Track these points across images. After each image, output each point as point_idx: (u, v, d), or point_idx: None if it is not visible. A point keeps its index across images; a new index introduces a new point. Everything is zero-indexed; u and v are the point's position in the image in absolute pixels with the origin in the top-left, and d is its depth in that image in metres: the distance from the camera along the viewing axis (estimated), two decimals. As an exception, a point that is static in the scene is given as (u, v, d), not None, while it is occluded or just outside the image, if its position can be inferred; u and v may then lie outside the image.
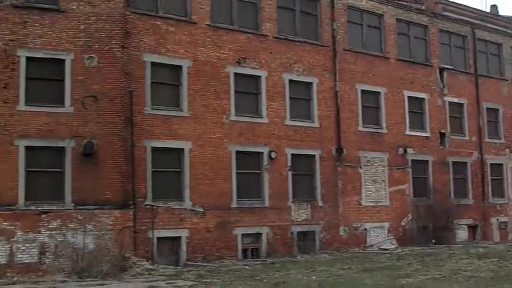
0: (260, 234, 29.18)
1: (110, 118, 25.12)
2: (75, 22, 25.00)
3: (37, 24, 24.52)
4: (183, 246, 26.81)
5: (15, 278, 22.75)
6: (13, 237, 23.21)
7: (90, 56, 25.11)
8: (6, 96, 23.81)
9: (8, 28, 24.09)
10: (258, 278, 21.25)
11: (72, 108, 24.71)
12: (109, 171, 24.89)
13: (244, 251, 28.64)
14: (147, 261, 24.98)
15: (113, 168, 24.96)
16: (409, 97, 36.46)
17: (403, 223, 34.94)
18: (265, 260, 27.58)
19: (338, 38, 33.38)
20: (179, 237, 26.78)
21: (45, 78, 24.82)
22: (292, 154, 30.71)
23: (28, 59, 24.35)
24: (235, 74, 29.28)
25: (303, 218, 30.82)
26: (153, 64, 26.98)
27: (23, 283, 21.96)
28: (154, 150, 26.50)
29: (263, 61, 30.35)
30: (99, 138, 24.80)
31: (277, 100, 30.56)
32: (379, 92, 35.07)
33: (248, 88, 29.94)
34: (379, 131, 34.77)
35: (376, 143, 34.36)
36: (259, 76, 30.15)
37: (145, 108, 26.42)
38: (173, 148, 27.15)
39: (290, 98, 31.15)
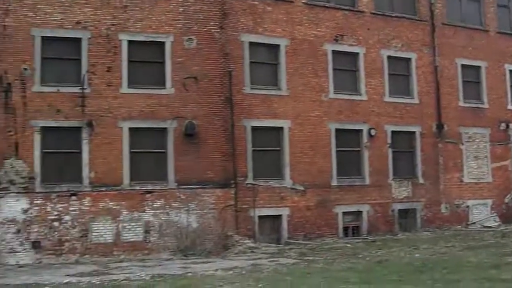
0: (361, 212, 28.41)
1: (210, 99, 24.94)
2: (174, 5, 24.87)
3: (137, 8, 24.51)
4: (284, 224, 26.39)
5: (121, 256, 22.97)
6: (119, 217, 23.43)
7: (189, 38, 24.93)
8: (109, 80, 23.96)
9: (109, 13, 24.16)
10: (360, 256, 20.72)
11: (173, 89, 24.63)
12: (210, 151, 24.73)
13: (345, 229, 27.96)
14: (249, 239, 24.69)
15: (214, 148, 24.80)
16: (510, 71, 34.63)
17: (506, 200, 33.37)
18: (366, 238, 26.88)
19: (436, 12, 32.00)
20: (280, 216, 26.37)
21: (146, 60, 24.80)
22: (392, 131, 29.70)
23: (130, 42, 24.39)
24: (333, 51, 28.47)
25: (404, 195, 29.84)
26: (251, 44, 26.57)
27: (129, 261, 22.09)
28: (254, 129, 26.15)
29: (360, 37, 29.42)
30: (200, 119, 24.64)
31: (375, 76, 29.59)
32: (479, 66, 33.44)
33: (346, 66, 29.07)
34: (480, 106, 33.20)
35: (477, 119, 32.86)
36: (357, 53, 29.25)
37: (244, 88, 26.06)
38: (273, 127, 26.69)
39: (389, 74, 30.07)
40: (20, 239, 22.50)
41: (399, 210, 29.51)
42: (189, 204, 24.12)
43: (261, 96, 26.49)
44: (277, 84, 27.10)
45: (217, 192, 24.58)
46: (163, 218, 23.87)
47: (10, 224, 22.48)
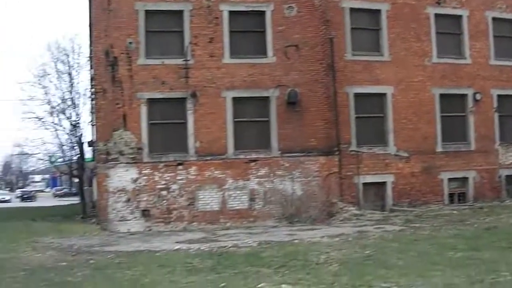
0: (467, 178, 27.26)
1: (312, 66, 24.43)
2: (273, -26, 24.42)
3: (234, -22, 24.27)
4: (389, 191, 25.69)
5: (228, 224, 22.99)
6: (224, 185, 23.40)
7: (290, 6, 24.46)
8: (212, 50, 23.85)
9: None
10: (467, 222, 19.90)
11: (274, 58, 24.28)
12: (313, 119, 24.28)
13: (451, 195, 26.91)
14: (353, 206, 24.19)
15: (316, 116, 24.32)
16: None
17: None
18: (472, 205, 25.79)
19: (542, -30, 30.21)
20: (384, 183, 25.67)
21: (247, 30, 24.58)
22: (498, 95, 28.24)
23: (231, 13, 24.18)
24: (436, 15, 27.20)
25: (511, 161, 28.48)
26: (352, 10, 25.84)
27: (236, 228, 22.04)
28: (356, 96, 25.47)
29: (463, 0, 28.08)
30: (302, 87, 24.20)
31: (480, 39, 28.11)
32: None
33: (449, 29, 27.73)
34: None
35: None
36: (460, 16, 27.84)
37: (345, 55, 25.41)
38: (375, 93, 25.92)
39: (494, 36, 28.49)
40: (130, 208, 22.83)
41: (506, 176, 28.11)
42: (293, 172, 23.81)
43: (363, 63, 25.74)
44: (379, 49, 26.24)
45: (320, 160, 24.16)
46: (267, 186, 23.69)
47: (120, 194, 22.83)
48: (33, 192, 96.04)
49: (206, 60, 23.71)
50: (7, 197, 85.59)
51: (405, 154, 25.89)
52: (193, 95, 23.45)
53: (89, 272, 12.76)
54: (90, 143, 31.01)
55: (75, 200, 53.17)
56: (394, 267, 11.99)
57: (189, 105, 23.48)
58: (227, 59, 23.93)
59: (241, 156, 23.69)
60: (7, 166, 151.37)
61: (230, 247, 16.53)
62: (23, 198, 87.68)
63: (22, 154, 55.11)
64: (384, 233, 18.31)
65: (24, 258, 15.38)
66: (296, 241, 17.38)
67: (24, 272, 12.85)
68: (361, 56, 25.75)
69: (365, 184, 25.18)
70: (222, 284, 10.66)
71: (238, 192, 23.47)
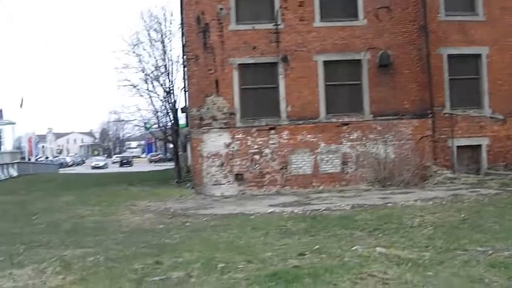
0: None
1: (404, 28, 23.63)
2: None
3: None
4: (483, 155, 24.73)
5: (320, 187, 22.75)
6: (317, 149, 23.09)
7: (381, -33, 23.66)
8: (302, 14, 23.41)
9: None
10: None
11: (365, 20, 23.61)
12: (405, 81, 23.56)
13: (548, 158, 25.74)
14: (447, 169, 23.46)
15: (409, 78, 23.58)
16: None
17: None
18: None
19: None
20: (479, 146, 24.72)
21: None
22: None
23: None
24: (533, -29, 25.77)
25: None
26: (444, -32, 24.71)
27: (328, 192, 21.79)
28: (450, 57, 24.48)
29: None
30: (394, 49, 23.49)
31: None
32: None
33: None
34: None
35: None
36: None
37: (439, 15, 24.41)
38: (470, 54, 24.81)
39: None
40: (224, 172, 22.88)
41: None
42: (386, 135, 23.24)
43: (457, 23, 24.60)
44: (473, 9, 25.01)
45: (413, 123, 23.48)
46: (360, 150, 23.25)
47: (214, 158, 22.91)
48: (130, 158, 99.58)
49: (297, 24, 23.29)
50: (101, 163, 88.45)
51: (501, 117, 24.81)
52: (284, 60, 23.14)
53: (186, 234, 12.91)
54: (184, 109, 31.20)
55: (170, 165, 54.11)
56: (490, 231, 11.66)
57: (280, 69, 23.20)
58: (317, 23, 23.42)
59: (333, 120, 23.28)
60: (104, 133, 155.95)
61: (323, 210, 16.42)
62: (122, 163, 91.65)
63: (119, 121, 56.32)
64: (479, 196, 17.79)
65: (124, 220, 15.71)
66: (389, 204, 17.12)
67: (124, 234, 13.12)
68: (455, 16, 24.62)
69: (459, 147, 24.34)
70: (316, 247, 10.55)
71: (331, 155, 23.14)
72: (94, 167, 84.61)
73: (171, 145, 42.44)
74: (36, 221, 16.16)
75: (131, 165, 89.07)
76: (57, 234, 13.41)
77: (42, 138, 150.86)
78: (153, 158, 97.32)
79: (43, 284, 8.59)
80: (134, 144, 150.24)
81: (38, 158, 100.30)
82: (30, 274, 9.24)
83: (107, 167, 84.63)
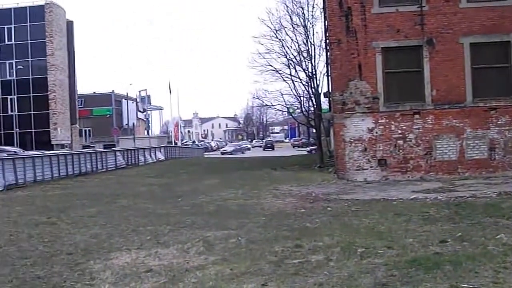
0: None
1: (560, 6, 22.52)
2: None
3: None
4: None
5: (466, 174, 22.29)
6: (463, 134, 22.60)
7: None
8: (448, -5, 22.83)
9: None
10: None
11: (516, 0, 22.72)
12: (558, 63, 22.50)
13: None
14: None
15: (563, 60, 22.49)
16: None
17: None
18: None
19: None
20: None
21: (486, -28, 23.16)
22: None
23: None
24: None
25: None
26: None
27: (474, 179, 21.34)
28: None
29: None
30: (546, 29, 22.47)
31: None
32: None
33: None
34: None
35: None
36: None
37: None
38: None
39: None
40: (367, 157, 22.91)
41: None
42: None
43: None
44: None
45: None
46: (508, 135, 22.51)
47: (357, 143, 22.97)
48: (273, 142, 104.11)
49: (442, 6, 22.78)
50: (229, 149, 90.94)
51: None
52: (429, 42, 22.74)
53: (327, 218, 13.08)
54: (326, 94, 31.42)
55: (312, 150, 54.53)
56: None
57: (425, 52, 22.80)
58: (464, 3, 22.78)
59: (480, 104, 22.64)
60: (248, 117, 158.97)
61: (468, 197, 16.13)
62: (266, 146, 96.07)
63: (262, 106, 57.15)
64: None
65: (265, 204, 16.17)
66: (540, 192, 16.52)
67: (265, 218, 13.49)
68: None
69: None
70: (459, 234, 10.43)
71: (477, 141, 22.55)
72: (223, 153, 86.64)
73: (314, 130, 42.74)
74: (182, 203, 17.01)
75: (273, 149, 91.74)
76: (201, 216, 14.05)
77: (188, 122, 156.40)
78: (295, 143, 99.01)
79: (186, 263, 9.07)
80: (277, 129, 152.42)
81: (185, 142, 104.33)
82: (175, 254, 9.80)
83: (240, 153, 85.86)
